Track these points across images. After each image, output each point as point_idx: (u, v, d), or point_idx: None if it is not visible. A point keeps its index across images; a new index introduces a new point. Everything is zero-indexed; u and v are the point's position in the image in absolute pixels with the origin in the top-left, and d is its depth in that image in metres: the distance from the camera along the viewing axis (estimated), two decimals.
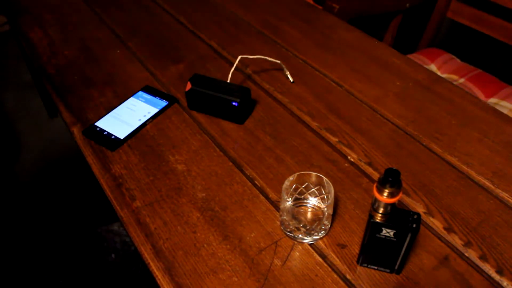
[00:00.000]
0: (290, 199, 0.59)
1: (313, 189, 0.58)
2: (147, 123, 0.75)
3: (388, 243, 0.49)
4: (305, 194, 0.59)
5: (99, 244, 0.76)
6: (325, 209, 0.55)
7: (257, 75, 0.87)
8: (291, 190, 0.58)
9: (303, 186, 0.58)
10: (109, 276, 0.76)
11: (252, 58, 0.82)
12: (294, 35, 0.99)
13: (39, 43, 0.96)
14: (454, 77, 1.28)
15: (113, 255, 0.77)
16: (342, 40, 0.97)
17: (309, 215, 0.57)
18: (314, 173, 0.57)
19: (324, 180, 0.56)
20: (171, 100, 0.80)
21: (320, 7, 1.23)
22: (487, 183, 0.65)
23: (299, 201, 0.60)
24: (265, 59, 0.81)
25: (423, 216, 0.60)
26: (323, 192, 0.58)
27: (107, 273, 0.76)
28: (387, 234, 0.48)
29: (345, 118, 0.76)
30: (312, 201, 0.60)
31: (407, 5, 1.43)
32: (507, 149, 0.70)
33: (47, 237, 0.80)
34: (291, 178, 0.56)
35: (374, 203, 0.47)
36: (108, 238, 0.78)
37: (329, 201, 0.54)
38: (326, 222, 0.56)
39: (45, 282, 0.69)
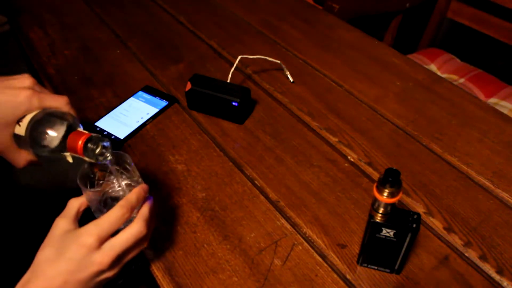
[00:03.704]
0: (94, 187, 0.52)
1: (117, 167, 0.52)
2: (147, 123, 0.75)
3: (388, 243, 0.49)
4: (108, 176, 0.53)
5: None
6: (131, 182, 0.51)
7: (257, 75, 0.87)
8: (93, 177, 0.51)
9: (105, 169, 0.52)
10: None
11: (252, 58, 0.82)
12: (294, 35, 0.99)
13: (39, 43, 0.96)
14: (454, 77, 1.28)
15: None
16: (342, 40, 0.97)
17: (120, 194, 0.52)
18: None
19: (123, 155, 0.50)
20: (171, 100, 0.80)
21: (320, 7, 1.23)
22: (487, 183, 0.65)
23: (106, 186, 0.53)
24: (265, 59, 0.81)
25: (423, 216, 0.60)
26: (127, 166, 0.52)
27: None
28: (387, 234, 0.48)
29: (345, 118, 0.76)
30: (116, 180, 0.53)
31: (407, 5, 1.43)
32: (507, 149, 0.70)
33: (41, 238, 0.80)
34: (83, 166, 0.49)
35: (374, 203, 0.47)
36: None
37: (132, 173, 0.50)
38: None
39: None
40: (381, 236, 0.48)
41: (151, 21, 1.05)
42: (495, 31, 1.28)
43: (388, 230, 0.48)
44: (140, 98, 0.80)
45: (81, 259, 0.44)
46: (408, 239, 0.48)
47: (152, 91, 0.82)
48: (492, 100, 1.18)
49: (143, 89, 0.82)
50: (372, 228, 0.48)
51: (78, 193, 0.50)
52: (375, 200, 0.46)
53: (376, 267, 0.54)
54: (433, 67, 1.32)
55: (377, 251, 0.51)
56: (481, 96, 1.20)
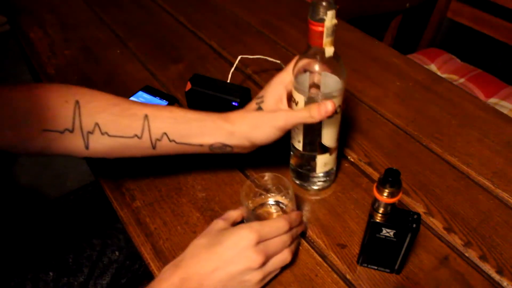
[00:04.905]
0: (251, 203, 0.58)
1: (271, 188, 0.58)
2: None
3: (388, 243, 0.49)
4: (266, 196, 0.59)
5: (103, 242, 0.77)
6: (287, 205, 0.55)
7: (257, 75, 0.87)
8: (251, 195, 0.57)
9: (262, 189, 0.58)
10: (112, 273, 0.76)
11: (252, 58, 0.82)
12: (294, 35, 0.99)
13: (39, 43, 0.96)
14: (454, 77, 1.28)
15: (117, 253, 0.77)
16: (342, 40, 0.97)
17: (274, 215, 0.58)
18: (268, 173, 0.56)
19: (282, 179, 0.55)
20: (171, 100, 0.80)
21: None
22: (487, 183, 0.65)
23: (261, 205, 0.59)
24: (265, 59, 0.81)
25: (423, 216, 0.60)
26: (282, 189, 0.57)
27: (111, 270, 0.76)
28: (387, 234, 0.48)
29: (345, 118, 0.76)
30: (273, 200, 0.59)
31: (407, 5, 1.43)
32: (507, 149, 0.70)
33: (47, 237, 0.80)
34: (247, 184, 0.54)
35: (374, 203, 0.47)
36: (112, 236, 0.78)
37: (290, 196, 0.54)
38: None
39: (45, 282, 0.69)
40: (381, 236, 0.48)
41: (151, 21, 1.05)
42: (495, 31, 1.28)
43: (388, 230, 0.48)
44: (140, 98, 0.80)
45: (237, 251, 0.45)
46: (408, 239, 0.48)
47: (152, 91, 0.81)
48: (492, 100, 1.18)
49: (143, 89, 0.82)
50: (372, 228, 0.48)
51: (78, 193, 0.50)
52: (375, 200, 0.46)
53: (376, 267, 0.54)
54: (433, 67, 1.32)
55: (377, 251, 0.51)
56: (481, 96, 1.20)
